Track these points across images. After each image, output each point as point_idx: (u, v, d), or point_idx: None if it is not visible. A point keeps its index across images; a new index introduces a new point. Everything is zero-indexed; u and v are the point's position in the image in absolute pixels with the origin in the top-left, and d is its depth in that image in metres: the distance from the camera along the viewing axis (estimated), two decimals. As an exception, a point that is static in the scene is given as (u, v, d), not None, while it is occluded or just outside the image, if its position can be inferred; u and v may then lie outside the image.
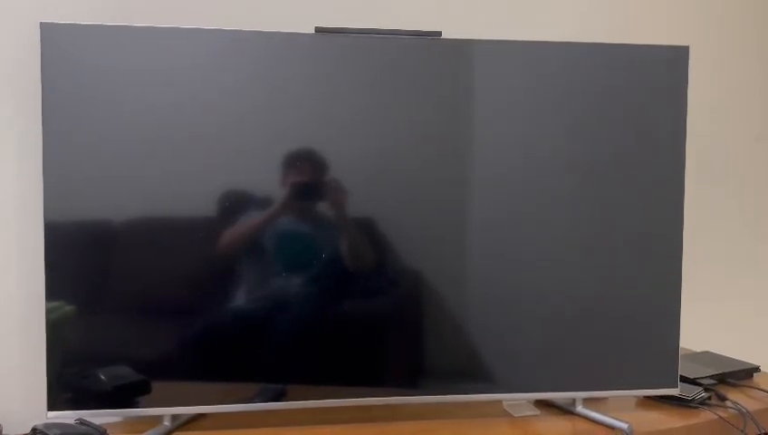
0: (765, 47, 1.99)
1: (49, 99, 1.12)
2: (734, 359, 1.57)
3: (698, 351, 1.64)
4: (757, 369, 1.53)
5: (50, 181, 1.12)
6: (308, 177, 1.20)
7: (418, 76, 1.24)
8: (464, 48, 1.25)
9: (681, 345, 1.32)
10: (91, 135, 1.14)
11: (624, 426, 1.23)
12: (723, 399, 1.37)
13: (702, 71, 1.56)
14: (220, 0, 1.38)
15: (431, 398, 1.27)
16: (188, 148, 1.17)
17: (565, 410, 1.33)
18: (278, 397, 1.21)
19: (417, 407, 1.31)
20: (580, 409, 1.30)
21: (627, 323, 1.31)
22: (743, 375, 1.51)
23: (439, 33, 1.23)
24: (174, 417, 1.20)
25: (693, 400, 1.34)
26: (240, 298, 1.21)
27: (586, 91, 1.28)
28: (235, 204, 1.19)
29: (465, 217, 1.27)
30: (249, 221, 1.20)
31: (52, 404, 1.13)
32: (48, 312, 1.13)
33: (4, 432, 1.19)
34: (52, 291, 1.13)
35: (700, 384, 1.40)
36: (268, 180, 1.19)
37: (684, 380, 1.37)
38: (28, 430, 1.09)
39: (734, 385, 1.46)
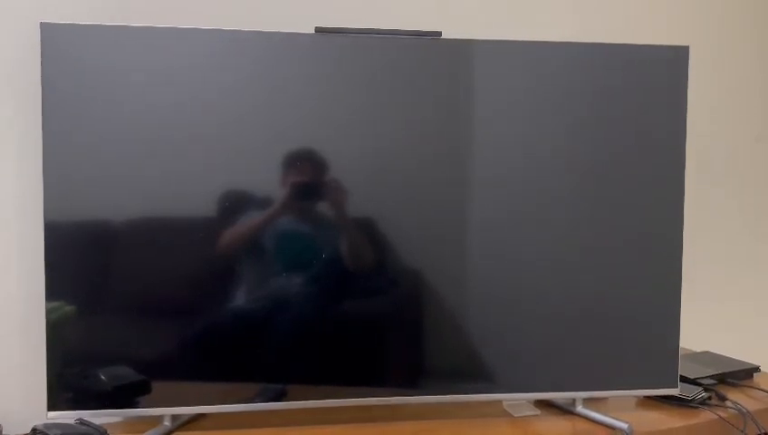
0: (765, 47, 1.99)
1: (49, 99, 1.12)
2: (734, 359, 1.57)
3: (698, 351, 1.64)
4: (757, 369, 1.53)
5: (50, 181, 1.12)
6: (308, 177, 1.20)
7: (418, 76, 1.24)
8: (464, 48, 1.25)
9: (681, 345, 1.32)
10: (91, 135, 1.14)
11: (624, 426, 1.23)
12: (723, 399, 1.37)
13: (702, 71, 1.56)
14: (220, 0, 1.38)
15: (431, 398, 1.27)
16: (188, 148, 1.17)
17: (565, 410, 1.33)
18: (278, 397, 1.21)
19: (417, 407, 1.31)
20: (580, 409, 1.30)
21: (627, 323, 1.31)
22: (743, 375, 1.50)
23: (439, 34, 1.23)
24: (174, 417, 1.20)
25: (693, 400, 1.34)
26: (240, 298, 1.21)
27: (586, 91, 1.28)
28: (235, 204, 1.19)
29: (465, 217, 1.27)
30: (249, 221, 1.20)
31: (52, 404, 1.13)
32: (48, 312, 1.13)
33: (4, 432, 1.19)
34: (52, 291, 1.13)
35: (700, 384, 1.40)
36: (268, 180, 1.19)
37: (684, 380, 1.37)
38: (28, 430, 1.09)
39: (734, 385, 1.46)
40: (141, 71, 1.14)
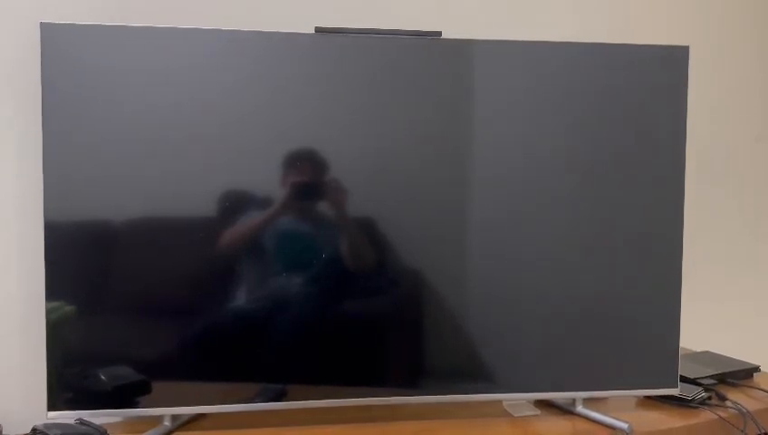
0: (765, 47, 1.99)
1: (49, 99, 1.12)
2: (734, 359, 1.57)
3: (698, 351, 1.64)
4: (757, 369, 1.53)
5: (50, 181, 1.12)
6: (308, 177, 1.20)
7: (418, 76, 1.24)
8: (464, 48, 1.25)
9: (681, 345, 1.32)
10: (91, 135, 1.14)
11: (624, 426, 1.23)
12: (723, 399, 1.37)
13: (702, 71, 1.56)
14: (220, 0, 1.38)
15: (431, 398, 1.27)
16: (188, 148, 1.17)
17: (565, 410, 1.33)
18: (278, 397, 1.21)
19: (417, 407, 1.31)
20: (580, 409, 1.30)
21: (627, 323, 1.31)
22: (743, 375, 1.50)
23: (439, 33, 1.23)
24: (174, 417, 1.20)
25: (693, 400, 1.34)
26: (240, 298, 1.21)
27: (586, 91, 1.28)
28: (235, 204, 1.19)
29: (465, 217, 1.27)
30: (249, 221, 1.20)
31: (52, 404, 1.13)
32: (48, 312, 1.13)
33: (4, 432, 1.19)
34: (52, 291, 1.13)
35: (700, 384, 1.40)
36: (268, 180, 1.19)
37: (684, 380, 1.37)
38: (28, 430, 1.09)
39: (734, 385, 1.46)
40: (141, 71, 1.14)
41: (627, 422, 1.23)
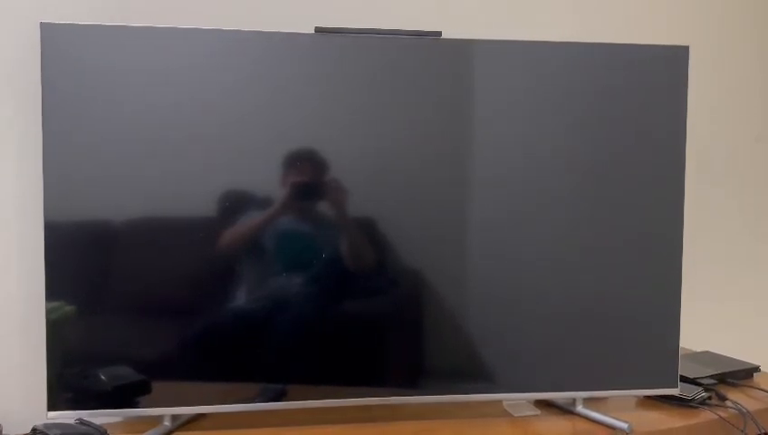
0: (765, 47, 1.99)
1: (49, 99, 1.12)
2: (734, 359, 1.57)
3: (698, 351, 1.64)
4: (757, 369, 1.53)
5: (50, 181, 1.12)
6: (308, 177, 1.20)
7: (418, 76, 1.24)
8: (464, 48, 1.25)
9: (681, 345, 1.32)
10: (91, 135, 1.14)
11: (624, 426, 1.23)
12: (723, 399, 1.37)
13: (702, 71, 1.56)
14: (220, 0, 1.38)
15: (431, 398, 1.27)
16: (188, 148, 1.17)
17: (565, 410, 1.33)
18: (278, 397, 1.21)
19: (417, 407, 1.31)
20: (580, 409, 1.30)
21: (627, 323, 1.31)
22: (743, 375, 1.51)
23: (439, 33, 1.23)
24: (174, 417, 1.20)
25: (693, 399, 1.34)
26: (240, 298, 1.21)
27: (586, 91, 1.28)
28: (235, 204, 1.19)
29: (465, 217, 1.27)
30: (249, 221, 1.20)
31: (52, 404, 1.13)
32: (48, 312, 1.13)
33: (4, 432, 1.19)
34: (52, 291, 1.13)
35: (700, 384, 1.40)
36: (268, 180, 1.19)
37: (684, 380, 1.37)
38: (28, 430, 1.09)
39: (734, 385, 1.46)
40: (141, 71, 1.14)
41: (627, 422, 1.23)
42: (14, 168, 1.26)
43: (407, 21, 1.30)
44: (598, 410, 1.29)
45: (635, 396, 1.40)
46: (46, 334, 1.12)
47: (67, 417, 1.13)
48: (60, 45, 1.12)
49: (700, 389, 1.37)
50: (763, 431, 1.32)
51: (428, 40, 1.23)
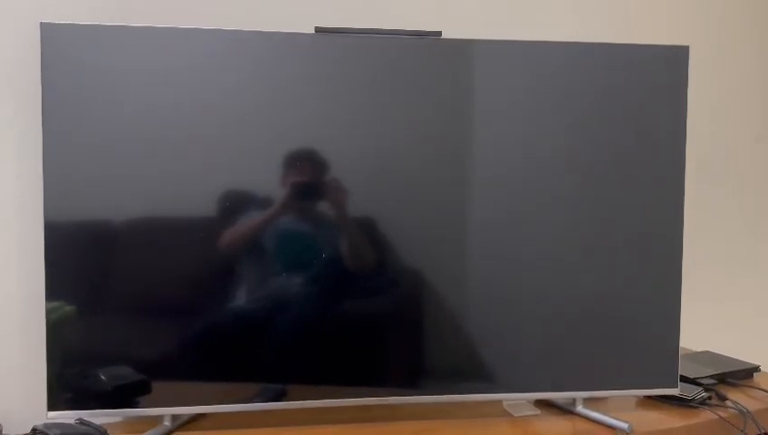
0: (765, 47, 1.99)
1: (49, 99, 1.12)
2: (734, 359, 1.57)
3: (698, 351, 1.64)
4: (757, 369, 1.53)
5: (50, 181, 1.12)
6: (308, 177, 1.20)
7: (418, 76, 1.24)
8: (464, 48, 1.25)
9: (681, 345, 1.32)
10: (91, 135, 1.14)
11: (624, 426, 1.23)
12: (723, 399, 1.37)
13: (702, 71, 1.56)
14: (220, 0, 1.38)
15: (431, 398, 1.27)
16: (188, 148, 1.17)
17: (565, 410, 1.33)
18: (278, 397, 1.21)
19: (417, 407, 1.31)
20: (580, 409, 1.30)
21: (627, 323, 1.31)
22: (743, 375, 1.51)
23: (439, 33, 1.23)
24: (174, 417, 1.20)
25: (693, 399, 1.34)
26: (240, 298, 1.21)
27: (586, 91, 1.28)
28: (235, 204, 1.19)
29: (465, 217, 1.27)
30: (249, 221, 1.20)
31: (52, 404, 1.13)
32: (48, 312, 1.13)
33: (4, 432, 1.19)
34: (52, 291, 1.13)
35: (700, 384, 1.40)
36: (268, 180, 1.19)
37: (684, 379, 1.37)
38: (28, 430, 1.09)
39: (734, 385, 1.46)
40: (141, 71, 1.14)
41: (627, 422, 1.23)
42: (14, 168, 1.26)
43: (407, 21, 1.30)
44: (598, 410, 1.29)
45: (635, 396, 1.40)
46: (46, 334, 1.12)
47: (67, 417, 1.13)
48: (60, 45, 1.12)
49: (700, 389, 1.37)
50: (763, 431, 1.32)
51: (428, 40, 1.24)
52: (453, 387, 1.27)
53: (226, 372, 1.21)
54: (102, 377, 1.15)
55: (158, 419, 1.19)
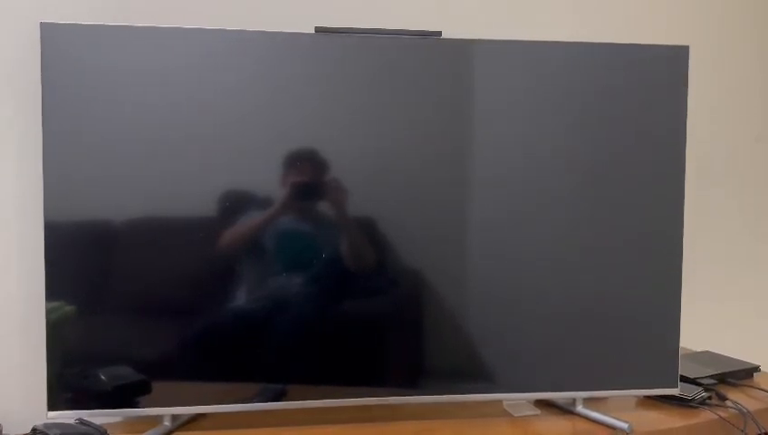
0: (765, 47, 1.99)
1: (49, 99, 1.12)
2: (734, 359, 1.57)
3: (698, 351, 1.64)
4: (757, 369, 1.53)
5: (50, 181, 1.12)
6: (308, 176, 1.20)
7: (418, 76, 1.24)
8: (464, 48, 1.25)
9: (681, 345, 1.32)
10: (91, 135, 1.14)
11: (624, 426, 1.23)
12: (723, 398, 1.37)
13: (702, 71, 1.56)
14: (220, 0, 1.38)
15: (431, 398, 1.27)
16: (188, 148, 1.17)
17: (565, 410, 1.33)
18: (278, 397, 1.21)
19: (417, 407, 1.31)
20: (580, 409, 1.30)
21: (627, 323, 1.31)
22: (743, 375, 1.51)
23: (439, 33, 1.23)
24: (174, 417, 1.20)
25: (693, 399, 1.34)
26: (240, 298, 1.21)
27: (586, 91, 1.28)
28: (235, 204, 1.19)
29: (465, 217, 1.27)
30: (249, 221, 1.20)
31: (53, 404, 1.13)
32: (48, 312, 1.13)
33: (4, 432, 1.19)
34: (52, 291, 1.13)
35: (700, 384, 1.40)
36: (268, 180, 1.19)
37: (684, 379, 1.37)
38: (28, 430, 1.09)
39: (734, 385, 1.46)
40: (141, 71, 1.14)
41: (627, 422, 1.23)
42: (14, 168, 1.26)
43: (407, 21, 1.30)
44: (598, 410, 1.29)
45: (635, 396, 1.40)
46: (46, 334, 1.12)
47: (67, 417, 1.13)
48: (60, 45, 1.12)
49: (700, 389, 1.37)
50: (763, 431, 1.32)
51: (428, 40, 1.24)
52: (453, 387, 1.27)
53: (226, 372, 1.21)
54: (102, 377, 1.15)
55: (158, 419, 1.19)
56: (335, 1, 1.45)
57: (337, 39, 1.20)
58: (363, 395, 1.23)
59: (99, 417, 1.15)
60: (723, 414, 1.30)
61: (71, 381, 1.14)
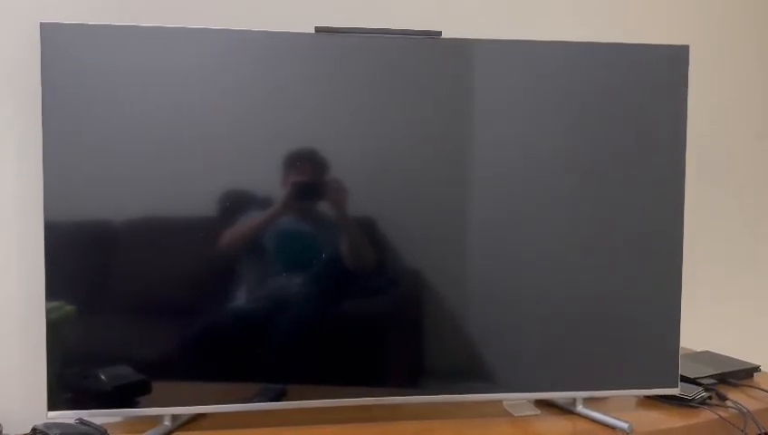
0: (765, 47, 1.99)
1: (49, 99, 1.12)
2: (734, 359, 1.57)
3: (698, 351, 1.64)
4: (757, 369, 1.53)
5: (50, 181, 1.12)
6: (308, 176, 1.20)
7: (418, 76, 1.24)
8: (464, 48, 1.25)
9: (681, 345, 1.32)
10: (92, 135, 1.14)
11: (624, 426, 1.23)
12: (723, 398, 1.37)
13: (702, 71, 1.56)
14: (220, 0, 1.38)
15: (431, 398, 1.27)
16: (189, 148, 1.17)
17: (565, 410, 1.33)
18: (278, 397, 1.21)
19: (417, 407, 1.31)
20: (580, 408, 1.30)
21: (627, 323, 1.31)
22: (743, 375, 1.51)
23: (439, 33, 1.23)
24: (174, 417, 1.20)
25: (693, 399, 1.34)
26: (240, 298, 1.21)
27: (586, 91, 1.28)
28: (235, 204, 1.19)
29: (465, 217, 1.27)
30: (250, 221, 1.20)
31: (53, 404, 1.13)
32: (48, 312, 1.13)
33: (4, 432, 1.19)
34: (52, 291, 1.13)
35: (700, 384, 1.40)
36: (269, 180, 1.19)
37: (684, 379, 1.37)
38: (28, 430, 1.09)
39: (734, 385, 1.46)
40: (141, 71, 1.14)
41: (627, 422, 1.23)
42: (14, 168, 1.26)
43: (407, 21, 1.30)
44: (598, 410, 1.29)
45: (635, 396, 1.40)
46: (46, 334, 1.12)
47: (67, 417, 1.13)
48: (60, 45, 1.12)
49: (700, 389, 1.37)
50: (763, 431, 1.32)
51: (428, 40, 1.24)
52: (453, 387, 1.27)
53: (226, 372, 1.21)
54: (102, 377, 1.15)
55: (158, 419, 1.19)
56: (335, 1, 1.45)
57: (337, 39, 1.20)
58: (363, 395, 1.23)
59: (99, 417, 1.15)
60: (723, 414, 1.30)
61: (71, 381, 1.14)
